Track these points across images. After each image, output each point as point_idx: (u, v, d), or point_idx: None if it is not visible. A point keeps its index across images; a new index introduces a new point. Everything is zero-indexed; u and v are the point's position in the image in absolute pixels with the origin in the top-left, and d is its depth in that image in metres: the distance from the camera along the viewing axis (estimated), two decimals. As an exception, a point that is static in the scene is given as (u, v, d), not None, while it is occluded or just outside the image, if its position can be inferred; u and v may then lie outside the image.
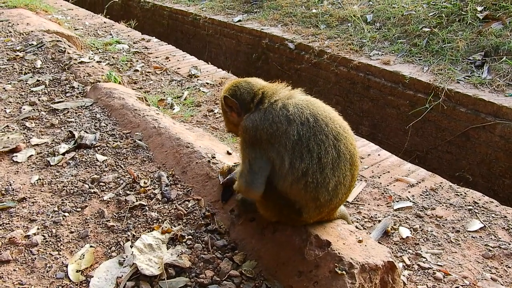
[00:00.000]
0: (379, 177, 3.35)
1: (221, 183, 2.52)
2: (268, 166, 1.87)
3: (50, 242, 2.21)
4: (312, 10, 7.76)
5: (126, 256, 2.10)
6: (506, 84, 4.77)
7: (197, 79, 5.47)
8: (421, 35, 6.09)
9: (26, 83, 4.12)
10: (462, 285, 2.32)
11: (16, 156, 2.93)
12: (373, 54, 5.99)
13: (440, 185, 3.24)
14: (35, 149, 3.03)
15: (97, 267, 2.05)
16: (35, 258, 2.10)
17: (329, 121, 1.88)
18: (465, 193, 3.13)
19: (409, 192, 3.17)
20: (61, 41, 5.26)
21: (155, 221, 2.36)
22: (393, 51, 5.99)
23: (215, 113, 4.61)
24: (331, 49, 6.32)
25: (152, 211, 2.43)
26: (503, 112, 4.43)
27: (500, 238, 2.68)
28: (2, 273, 2.00)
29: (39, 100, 3.77)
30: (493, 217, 2.87)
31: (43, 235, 2.24)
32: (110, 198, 2.54)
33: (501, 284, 2.34)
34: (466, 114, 4.74)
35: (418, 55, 5.76)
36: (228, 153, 2.94)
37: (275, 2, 8.51)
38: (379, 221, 2.82)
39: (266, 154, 1.87)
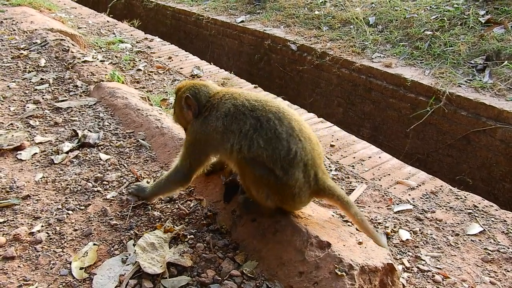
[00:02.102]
0: (379, 180, 3.38)
1: (223, 183, 2.54)
2: (205, 161, 2.31)
3: (54, 240, 2.23)
4: (314, 12, 7.79)
5: (129, 255, 2.12)
6: (507, 88, 4.80)
7: (200, 79, 5.49)
8: (423, 38, 6.11)
9: (30, 82, 4.15)
10: (460, 288, 2.34)
11: (21, 154, 2.95)
12: (375, 57, 6.02)
13: (440, 188, 3.26)
14: (39, 147, 3.06)
15: (100, 265, 2.07)
16: (39, 255, 2.13)
17: (246, 102, 2.16)
18: (465, 197, 3.15)
19: (409, 195, 3.19)
20: (64, 39, 5.29)
21: (157, 220, 2.39)
22: (395, 54, 6.02)
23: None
24: (333, 51, 6.34)
25: (155, 210, 2.46)
26: (504, 116, 4.45)
27: (499, 242, 2.70)
28: (7, 269, 2.03)
29: (43, 98, 3.79)
30: (492, 221, 2.89)
31: (47, 233, 2.27)
32: (113, 196, 2.57)
33: (499, 288, 2.36)
34: (467, 118, 4.76)
35: (420, 58, 5.78)
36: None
37: (278, 3, 8.54)
38: (379, 223, 2.85)
39: (204, 152, 2.27)
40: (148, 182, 2.68)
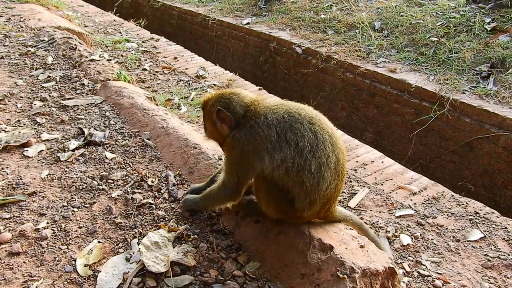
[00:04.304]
0: (382, 184, 3.39)
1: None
2: (253, 173, 2.08)
3: (59, 236, 2.26)
4: (320, 16, 7.81)
5: (133, 253, 2.15)
6: (511, 96, 4.81)
7: (205, 80, 5.52)
8: (428, 44, 6.13)
9: (37, 79, 4.19)
10: (460, 294, 2.36)
11: (27, 150, 2.99)
12: (379, 62, 6.04)
13: (442, 194, 3.28)
14: (45, 144, 3.09)
15: (104, 263, 2.10)
16: (45, 251, 2.16)
17: (301, 110, 2.05)
18: (466, 203, 3.17)
19: (411, 200, 3.21)
20: (72, 38, 5.32)
21: (161, 219, 2.41)
22: (400, 59, 6.04)
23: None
24: (338, 55, 6.37)
25: (159, 210, 2.48)
26: (507, 123, 4.46)
27: (499, 248, 2.72)
28: (12, 264, 2.06)
29: (49, 96, 3.83)
30: (493, 227, 2.91)
31: (52, 229, 2.30)
32: (118, 195, 2.59)
33: (499, 294, 2.38)
34: (470, 125, 4.78)
35: (425, 64, 5.80)
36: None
37: (284, 6, 8.57)
38: (381, 227, 2.87)
39: (251, 164, 2.04)
40: (152, 182, 2.71)
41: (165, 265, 2.04)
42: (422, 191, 3.33)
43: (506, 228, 2.90)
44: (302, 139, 1.95)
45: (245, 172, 2.09)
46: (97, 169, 2.85)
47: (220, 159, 2.79)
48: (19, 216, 2.38)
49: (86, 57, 4.70)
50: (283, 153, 1.95)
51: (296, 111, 2.04)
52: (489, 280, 2.47)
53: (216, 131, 2.18)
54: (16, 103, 3.69)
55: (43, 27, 5.70)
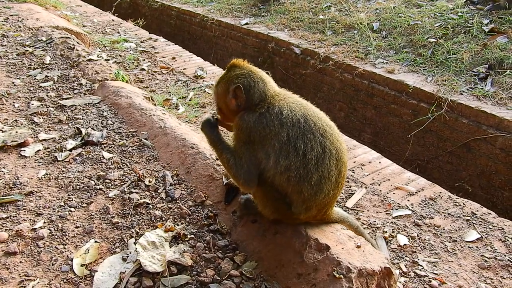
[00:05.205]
0: (379, 185, 3.40)
1: (224, 184, 2.57)
2: (258, 162, 2.01)
3: (56, 236, 2.26)
4: (319, 16, 7.82)
5: (130, 253, 2.15)
6: (508, 97, 4.82)
7: (203, 80, 5.53)
8: (427, 45, 6.14)
9: (35, 79, 4.18)
10: (457, 294, 2.36)
11: (24, 150, 2.98)
12: (378, 62, 6.05)
13: (439, 195, 3.29)
14: (42, 144, 3.09)
15: (101, 262, 2.10)
16: (41, 251, 2.16)
17: (317, 120, 1.99)
18: (463, 204, 3.17)
19: (408, 200, 3.21)
20: (70, 37, 5.32)
21: (158, 219, 2.41)
22: (398, 60, 6.04)
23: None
24: (337, 56, 6.37)
25: (156, 210, 2.48)
26: (504, 125, 4.47)
27: (496, 249, 2.72)
28: (9, 264, 2.06)
29: (47, 95, 3.83)
30: (490, 228, 2.91)
31: (49, 229, 2.30)
32: (115, 195, 2.59)
33: (495, 295, 2.39)
34: (468, 126, 4.79)
35: (423, 65, 5.81)
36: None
37: (283, 6, 8.58)
38: (378, 227, 2.87)
39: (256, 153, 1.99)
40: (150, 182, 2.71)
41: (161, 264, 2.04)
42: (419, 191, 3.33)
43: (502, 229, 2.91)
44: (310, 152, 1.91)
45: (254, 159, 2.00)
46: (94, 169, 2.85)
47: (218, 159, 2.79)
48: (15, 216, 2.38)
49: (84, 57, 4.70)
50: (289, 160, 1.91)
51: (312, 119, 1.97)
52: (485, 281, 2.47)
53: (224, 100, 2.12)
54: (14, 102, 3.68)
55: (41, 27, 5.70)
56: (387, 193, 3.30)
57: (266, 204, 2.13)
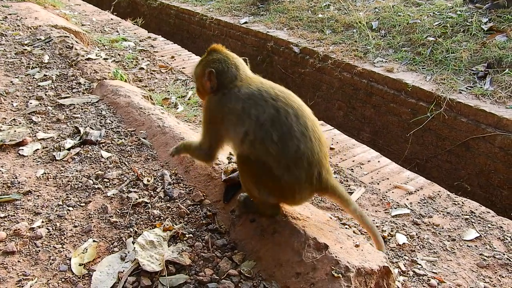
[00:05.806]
0: (378, 184, 3.40)
1: (223, 180, 2.57)
2: (221, 140, 2.21)
3: (54, 235, 2.26)
4: (318, 15, 7.81)
5: (128, 252, 2.14)
6: (507, 96, 4.82)
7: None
8: (426, 44, 6.14)
9: (33, 78, 4.18)
10: (455, 293, 2.36)
11: (23, 149, 2.98)
12: (377, 61, 6.04)
13: (438, 194, 3.29)
14: (41, 143, 3.08)
15: (99, 262, 2.10)
16: (39, 250, 2.15)
17: (271, 89, 2.10)
18: (462, 203, 3.17)
19: (407, 199, 3.21)
20: (68, 36, 5.32)
21: (157, 218, 2.41)
22: (397, 59, 6.04)
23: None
24: (336, 55, 6.37)
25: (155, 209, 2.48)
26: (503, 123, 4.47)
27: (495, 248, 2.72)
28: (6, 263, 2.06)
29: (45, 95, 3.82)
30: (489, 227, 2.91)
31: (47, 228, 2.29)
32: (113, 194, 2.59)
33: (494, 293, 2.39)
34: (467, 124, 4.79)
35: (422, 64, 5.80)
36: (231, 154, 2.99)
37: (282, 5, 8.57)
38: (377, 226, 2.87)
39: (219, 131, 2.17)
40: (148, 181, 2.70)
41: (160, 264, 2.04)
42: (418, 190, 3.33)
43: (501, 227, 2.91)
44: (263, 114, 2.02)
45: (214, 137, 2.21)
46: (92, 168, 2.84)
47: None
48: (14, 215, 2.37)
49: (83, 56, 4.69)
50: (245, 127, 2.03)
51: (266, 89, 2.10)
52: (484, 280, 2.47)
53: (200, 83, 2.28)
54: (12, 101, 3.68)
55: (40, 26, 5.69)
56: (386, 192, 3.30)
57: (255, 185, 2.11)
